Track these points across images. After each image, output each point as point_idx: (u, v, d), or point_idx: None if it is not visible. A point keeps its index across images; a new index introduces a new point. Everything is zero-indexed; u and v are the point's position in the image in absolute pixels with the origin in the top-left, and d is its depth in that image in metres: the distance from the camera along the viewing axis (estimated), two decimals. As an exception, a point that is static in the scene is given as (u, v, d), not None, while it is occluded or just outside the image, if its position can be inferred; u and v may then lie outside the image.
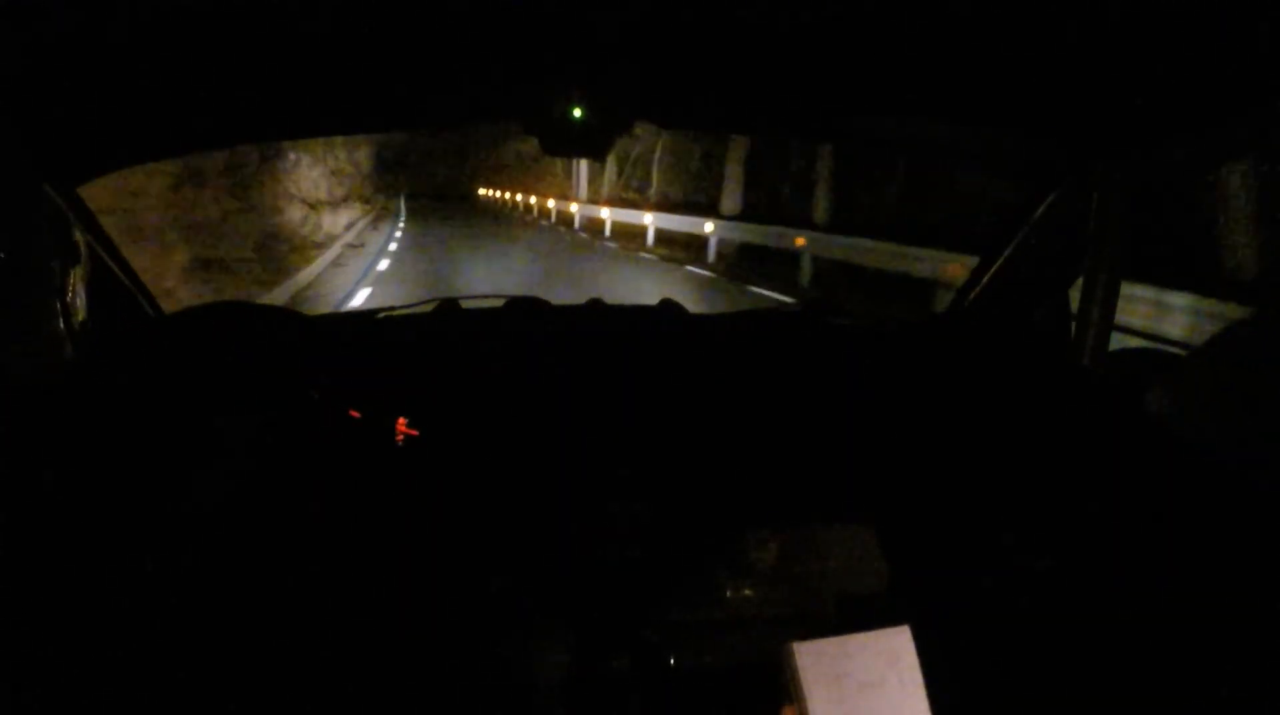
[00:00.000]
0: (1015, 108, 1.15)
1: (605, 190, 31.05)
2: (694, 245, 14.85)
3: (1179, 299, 4.63)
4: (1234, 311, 4.22)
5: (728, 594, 1.03)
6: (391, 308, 1.66)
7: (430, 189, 43.43)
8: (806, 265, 10.43)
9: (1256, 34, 0.82)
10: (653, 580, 1.06)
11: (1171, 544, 0.90)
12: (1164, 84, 0.97)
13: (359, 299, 8.97)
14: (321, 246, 14.09)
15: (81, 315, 1.04)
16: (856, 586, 1.02)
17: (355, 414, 1.26)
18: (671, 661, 0.98)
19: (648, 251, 15.76)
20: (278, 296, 8.88)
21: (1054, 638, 0.94)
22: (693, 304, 1.73)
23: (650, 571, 1.09)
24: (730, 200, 17.73)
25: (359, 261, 13.01)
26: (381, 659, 0.99)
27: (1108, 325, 1.24)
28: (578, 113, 1.19)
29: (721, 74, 1.13)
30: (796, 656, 0.73)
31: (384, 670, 0.98)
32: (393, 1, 0.89)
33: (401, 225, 22.23)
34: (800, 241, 9.44)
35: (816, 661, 0.73)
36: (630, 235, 18.11)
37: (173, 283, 7.92)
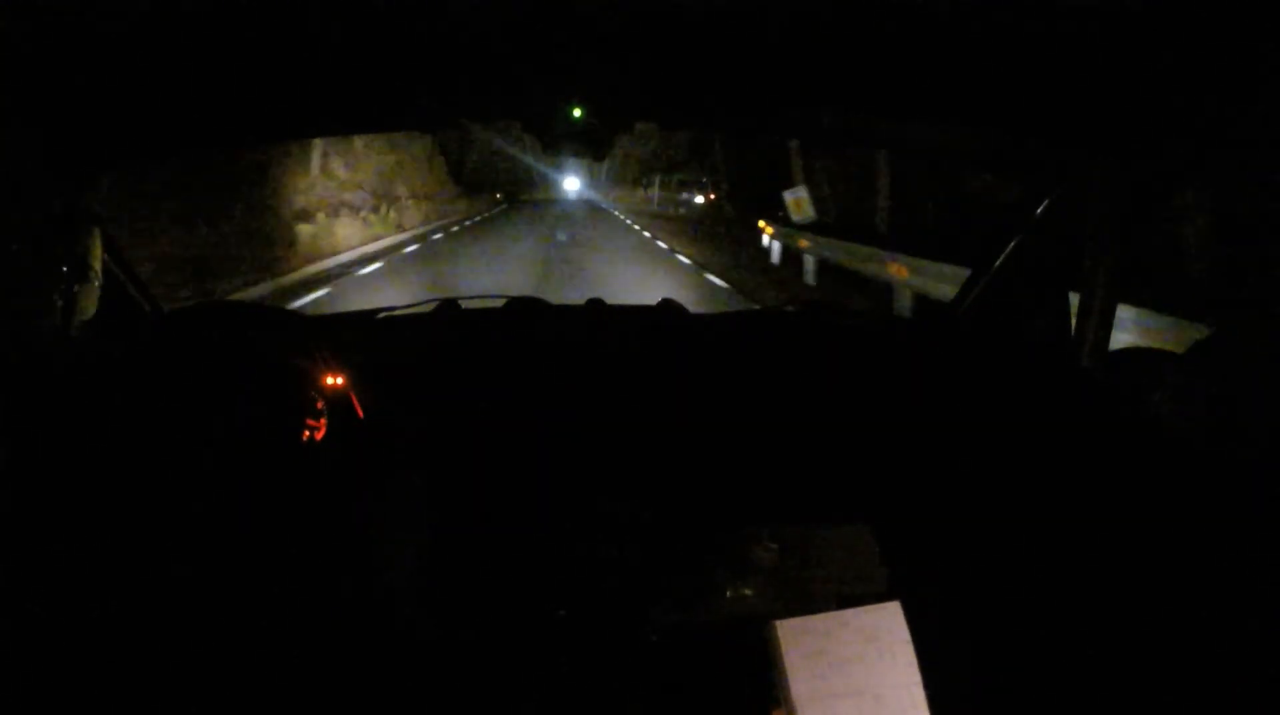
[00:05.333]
0: (1014, 109, 1.15)
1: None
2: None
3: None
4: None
5: (728, 594, 1.03)
6: (391, 308, 1.66)
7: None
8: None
9: (1254, 37, 0.82)
10: (652, 580, 1.06)
11: (1166, 540, 0.91)
12: (1163, 85, 0.98)
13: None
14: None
15: (81, 312, 1.04)
16: (857, 587, 1.03)
17: (360, 414, 1.26)
18: (665, 661, 0.98)
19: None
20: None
21: (1048, 633, 0.95)
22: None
23: (650, 571, 1.09)
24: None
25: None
26: (378, 657, 0.99)
27: (1107, 326, 1.24)
28: (578, 113, 1.19)
29: (721, 74, 1.13)
30: (778, 635, 0.74)
31: (380, 668, 0.98)
32: (394, 2, 0.89)
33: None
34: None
35: (797, 638, 0.74)
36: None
37: None
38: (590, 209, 31.15)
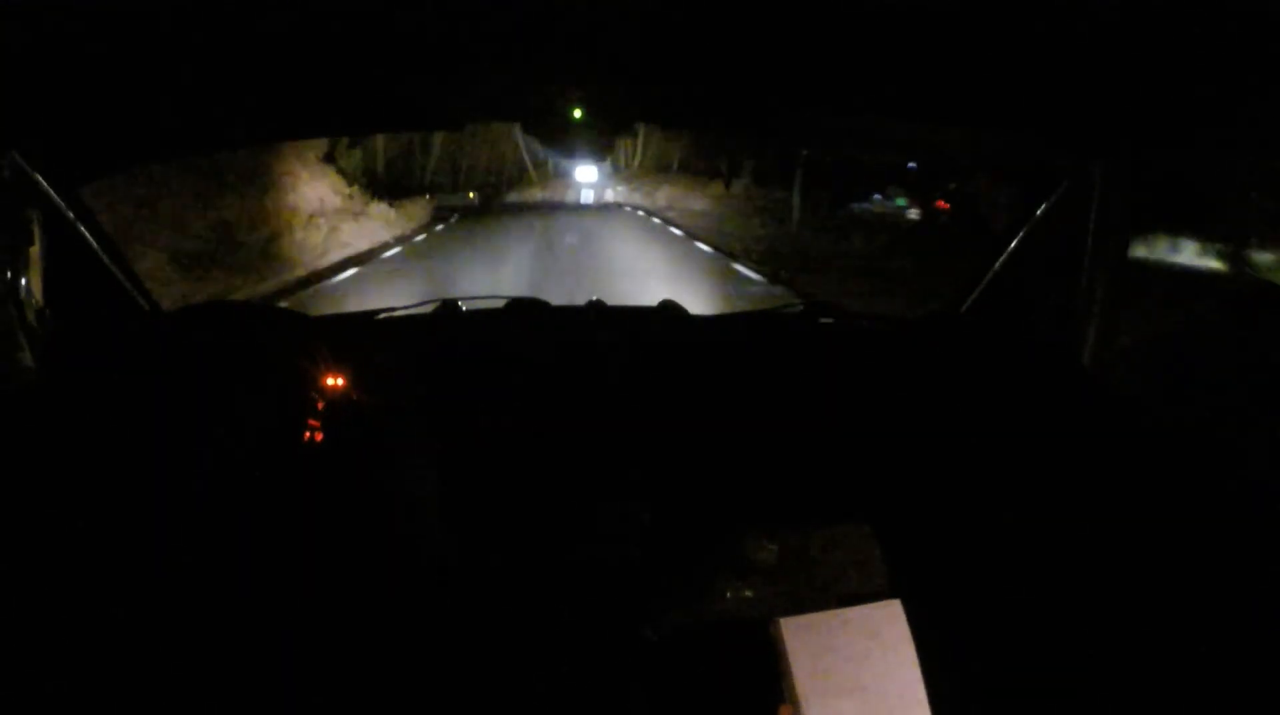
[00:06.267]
0: (1015, 108, 1.15)
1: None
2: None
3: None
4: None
5: (728, 594, 1.03)
6: (392, 309, 1.66)
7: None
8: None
9: (1254, 35, 0.82)
10: (653, 580, 1.06)
11: (1166, 539, 0.91)
12: (1163, 84, 0.98)
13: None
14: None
15: (79, 313, 1.04)
16: (857, 587, 1.02)
17: (360, 415, 1.26)
18: (670, 661, 0.98)
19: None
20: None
21: (1048, 630, 0.95)
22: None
23: (650, 571, 1.08)
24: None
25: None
26: (378, 659, 0.98)
27: (1107, 326, 1.24)
28: (578, 113, 1.19)
29: (721, 75, 1.13)
30: (783, 632, 0.74)
31: (381, 670, 0.98)
32: (393, 2, 0.89)
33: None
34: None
35: (802, 636, 0.74)
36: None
37: None
38: (638, 247, 12.87)
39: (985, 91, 1.10)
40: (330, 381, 1.24)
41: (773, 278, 9.12)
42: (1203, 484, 0.93)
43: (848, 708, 0.72)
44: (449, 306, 1.66)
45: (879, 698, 0.72)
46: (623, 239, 13.41)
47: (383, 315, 1.62)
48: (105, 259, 1.27)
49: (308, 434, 1.20)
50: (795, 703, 0.73)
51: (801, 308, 1.69)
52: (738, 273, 9.93)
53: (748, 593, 1.04)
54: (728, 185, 19.23)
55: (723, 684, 0.90)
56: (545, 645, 1.02)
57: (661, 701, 0.95)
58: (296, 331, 1.49)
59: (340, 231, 12.96)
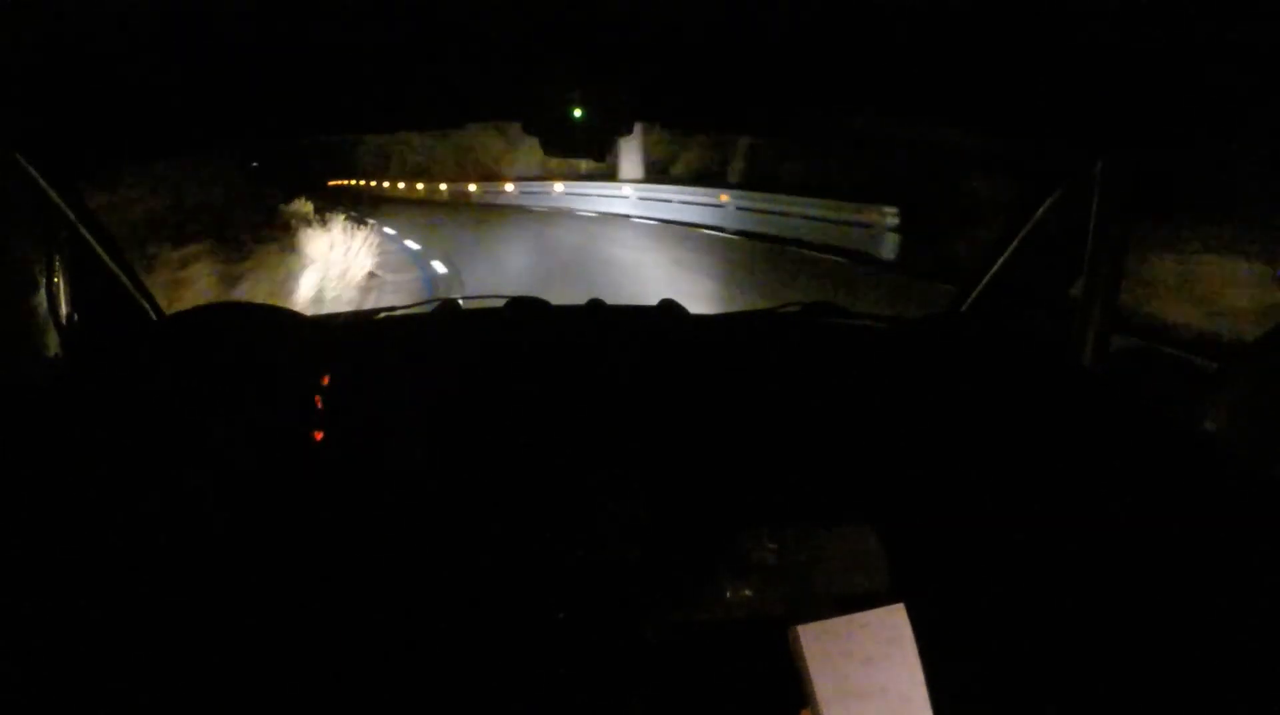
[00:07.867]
0: (1015, 108, 1.15)
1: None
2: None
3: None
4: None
5: (728, 594, 1.03)
6: (392, 308, 1.66)
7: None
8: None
9: (1255, 36, 0.82)
10: (652, 580, 1.07)
11: (1171, 540, 0.91)
12: (1164, 84, 0.98)
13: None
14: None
15: (81, 316, 1.04)
16: (857, 586, 1.03)
17: (360, 415, 1.26)
18: (671, 662, 0.98)
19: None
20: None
21: (1052, 630, 0.95)
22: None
23: (650, 571, 1.09)
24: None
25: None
26: (377, 660, 0.99)
27: (1108, 325, 1.24)
28: (578, 113, 1.19)
29: (721, 74, 1.13)
30: (801, 639, 0.75)
31: (380, 671, 0.98)
32: (394, 2, 0.90)
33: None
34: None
35: (819, 642, 0.75)
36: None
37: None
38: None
39: (986, 91, 1.10)
40: (331, 381, 1.25)
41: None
42: (1206, 484, 0.93)
43: (868, 711, 0.73)
44: (449, 306, 1.66)
45: (900, 700, 0.73)
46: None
47: (383, 314, 1.62)
48: (106, 259, 1.27)
49: (308, 433, 1.20)
50: (815, 707, 0.73)
51: (801, 307, 1.69)
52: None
53: (747, 592, 1.04)
54: None
55: (740, 690, 0.90)
56: (544, 647, 1.02)
57: (654, 703, 0.95)
58: (296, 332, 1.49)
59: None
